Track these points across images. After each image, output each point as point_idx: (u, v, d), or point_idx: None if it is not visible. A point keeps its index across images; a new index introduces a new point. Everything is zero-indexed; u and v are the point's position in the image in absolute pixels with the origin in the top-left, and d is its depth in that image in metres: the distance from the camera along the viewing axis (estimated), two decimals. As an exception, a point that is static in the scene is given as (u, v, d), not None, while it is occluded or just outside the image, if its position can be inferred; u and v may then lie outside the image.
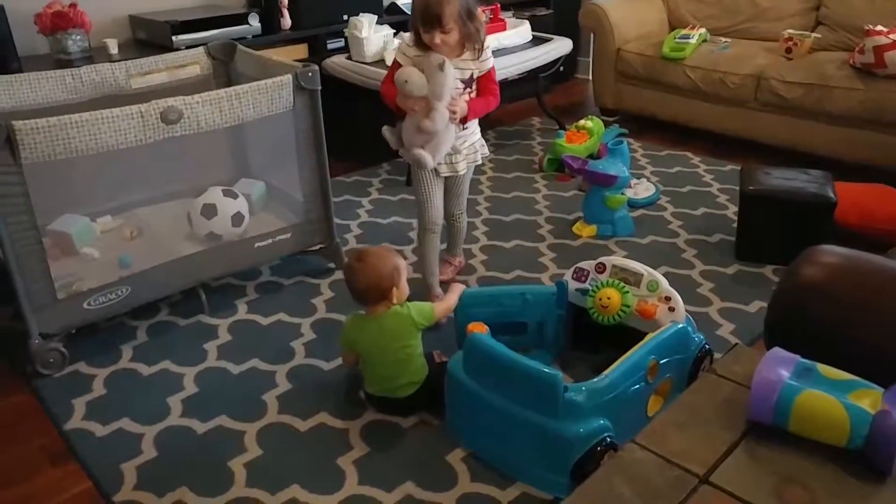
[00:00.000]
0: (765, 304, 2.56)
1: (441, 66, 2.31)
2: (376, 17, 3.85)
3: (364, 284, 2.09)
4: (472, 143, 2.60)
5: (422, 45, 2.38)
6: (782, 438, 1.42)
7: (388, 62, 3.63)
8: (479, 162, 2.68)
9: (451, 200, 2.72)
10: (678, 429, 1.48)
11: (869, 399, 1.39)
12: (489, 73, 2.51)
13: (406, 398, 2.13)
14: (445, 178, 2.61)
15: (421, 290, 2.65)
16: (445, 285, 2.65)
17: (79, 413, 2.20)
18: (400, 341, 2.08)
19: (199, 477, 1.96)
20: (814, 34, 4.02)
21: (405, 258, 3.02)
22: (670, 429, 1.48)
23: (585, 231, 3.19)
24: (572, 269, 2.33)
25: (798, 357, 1.50)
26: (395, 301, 2.10)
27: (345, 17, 3.94)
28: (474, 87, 2.50)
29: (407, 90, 2.36)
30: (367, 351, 2.14)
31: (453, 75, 2.37)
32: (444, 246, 2.88)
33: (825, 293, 1.69)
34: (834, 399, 1.38)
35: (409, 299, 2.16)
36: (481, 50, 2.44)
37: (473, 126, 2.58)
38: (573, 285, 2.30)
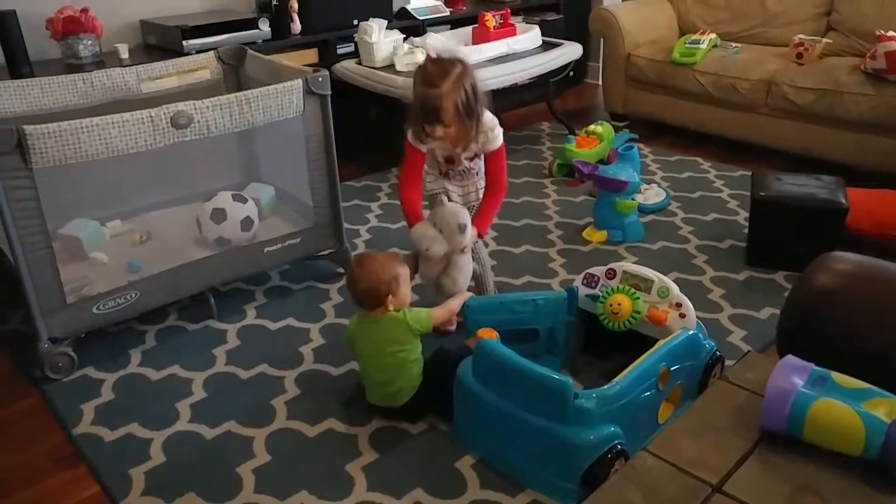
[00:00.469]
0: (776, 311, 2.55)
1: (462, 228, 2.31)
2: (386, 21, 3.85)
3: (362, 289, 2.09)
4: (478, 190, 2.57)
5: (426, 134, 2.35)
6: (796, 447, 1.41)
7: (399, 67, 3.67)
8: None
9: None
10: (691, 437, 1.47)
11: (884, 408, 1.37)
12: (497, 154, 2.43)
13: (403, 406, 2.12)
14: None
15: (429, 296, 2.65)
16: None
17: (87, 417, 2.20)
18: (393, 345, 2.07)
19: (208, 483, 1.95)
20: (825, 39, 4.00)
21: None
22: (683, 437, 1.47)
23: (595, 237, 3.18)
24: (582, 274, 2.32)
25: (812, 365, 1.49)
26: (391, 308, 2.10)
27: (355, 21, 3.94)
28: (475, 161, 2.48)
29: (429, 257, 2.34)
30: (363, 353, 2.14)
31: (473, 233, 2.37)
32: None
33: (838, 300, 1.68)
34: (849, 408, 1.37)
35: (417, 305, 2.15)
36: (482, 131, 2.36)
37: (479, 180, 2.56)
38: (583, 291, 2.29)
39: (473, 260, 2.49)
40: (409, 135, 2.42)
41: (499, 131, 2.41)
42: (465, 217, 2.34)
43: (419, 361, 2.12)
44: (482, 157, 2.47)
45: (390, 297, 2.08)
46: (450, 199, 2.54)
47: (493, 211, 2.51)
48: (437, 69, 2.26)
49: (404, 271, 2.13)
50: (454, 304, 2.25)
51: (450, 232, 2.33)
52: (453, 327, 2.50)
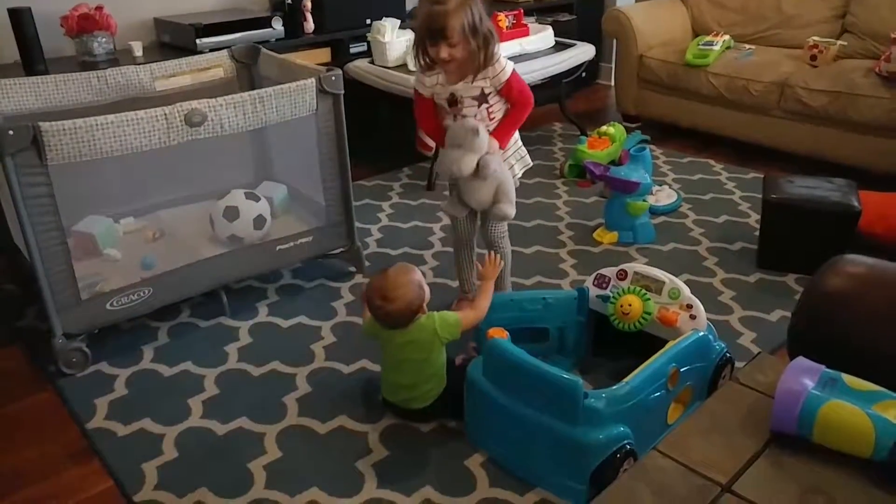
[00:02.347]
0: (787, 314, 2.55)
1: (475, 132, 2.29)
2: (399, 21, 3.86)
3: (394, 313, 2.03)
4: (506, 159, 2.50)
5: (431, 65, 2.32)
6: (806, 449, 1.41)
7: (411, 66, 3.67)
8: (518, 175, 2.55)
9: (488, 231, 2.55)
10: (701, 437, 1.47)
11: (895, 410, 1.37)
12: (509, 82, 2.36)
13: (422, 409, 2.12)
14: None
15: (441, 296, 2.66)
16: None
17: (101, 413, 2.22)
18: (421, 354, 2.06)
19: (219, 478, 1.96)
20: (839, 41, 3.98)
21: (424, 262, 3.03)
22: (693, 437, 1.47)
23: (606, 238, 3.18)
24: (593, 275, 2.32)
25: (823, 367, 1.49)
26: (424, 312, 2.08)
27: (368, 21, 3.96)
28: (493, 99, 2.38)
29: (462, 173, 2.30)
30: (387, 356, 2.14)
31: (487, 135, 2.34)
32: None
33: (850, 303, 1.67)
34: (859, 410, 1.37)
35: (434, 306, 2.14)
36: (490, 64, 2.30)
37: (511, 144, 2.51)
38: (594, 292, 2.29)
39: (498, 249, 2.53)
40: (414, 80, 2.45)
41: (506, 62, 2.37)
42: (473, 122, 2.32)
43: (443, 368, 2.11)
44: (489, 103, 2.37)
45: (424, 306, 2.07)
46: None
47: (513, 123, 2.44)
48: None
49: (419, 275, 2.10)
50: (482, 306, 2.17)
51: (466, 141, 2.30)
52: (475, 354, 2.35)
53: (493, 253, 2.31)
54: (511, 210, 2.43)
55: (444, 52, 2.23)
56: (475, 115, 2.37)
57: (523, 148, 2.57)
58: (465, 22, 2.21)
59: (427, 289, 2.10)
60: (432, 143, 3.63)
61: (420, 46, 2.31)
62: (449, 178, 2.47)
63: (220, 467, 2.00)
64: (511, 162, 2.51)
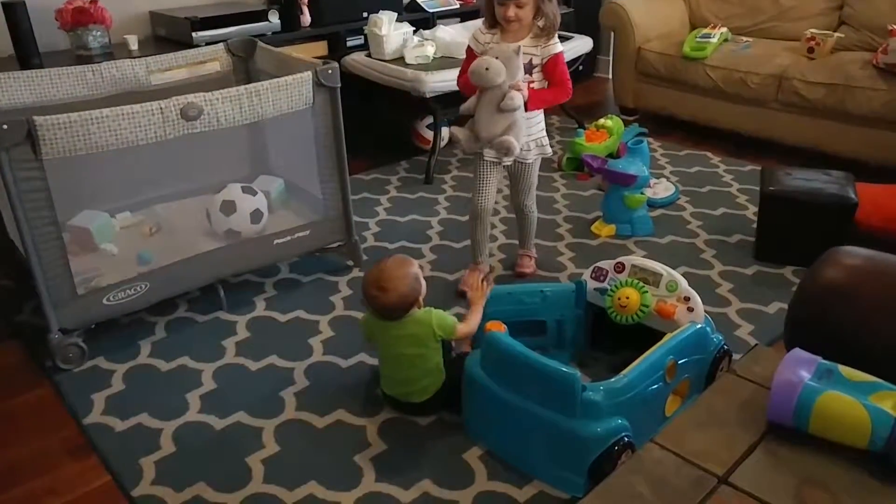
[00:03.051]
0: (784, 306, 2.54)
1: (517, 51, 2.38)
2: (396, 14, 3.85)
3: (390, 305, 2.04)
4: (538, 134, 2.62)
5: (494, 24, 2.47)
6: (802, 440, 1.41)
7: (408, 59, 3.68)
8: (549, 153, 2.68)
9: (520, 192, 2.73)
10: (698, 429, 1.47)
11: (891, 401, 1.38)
12: (557, 59, 2.50)
13: (421, 403, 2.12)
14: (509, 168, 2.65)
15: (439, 290, 2.66)
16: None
17: (98, 408, 2.22)
18: (417, 348, 2.06)
19: (217, 473, 1.96)
20: (836, 34, 3.98)
21: (422, 256, 3.03)
22: (690, 429, 1.48)
23: (604, 230, 3.18)
24: (591, 268, 2.32)
25: (819, 358, 1.49)
26: (420, 306, 2.09)
27: (364, 14, 3.95)
28: (536, 74, 2.51)
29: (489, 78, 2.38)
30: (383, 351, 2.14)
31: (524, 87, 2.43)
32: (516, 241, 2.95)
33: (847, 294, 1.67)
34: (855, 401, 1.37)
35: (432, 303, 2.14)
36: (551, 34, 2.46)
37: (539, 116, 2.60)
38: (592, 285, 2.29)
39: (527, 212, 2.75)
40: (471, 38, 2.57)
41: (559, 42, 2.51)
42: (516, 45, 2.41)
43: (441, 363, 2.10)
44: (531, 77, 2.49)
45: (420, 298, 2.07)
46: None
47: (549, 96, 2.56)
48: None
49: (416, 268, 2.10)
50: (474, 322, 2.15)
51: (505, 57, 2.38)
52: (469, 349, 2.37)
53: (483, 282, 2.30)
54: (514, 142, 2.47)
55: (511, 12, 2.38)
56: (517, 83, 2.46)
57: (546, 137, 2.66)
58: None
59: (424, 282, 2.10)
60: (429, 136, 3.63)
61: (489, 7, 2.46)
62: (467, 109, 2.55)
63: (218, 462, 2.00)
64: (531, 146, 2.59)
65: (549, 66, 2.50)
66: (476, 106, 2.51)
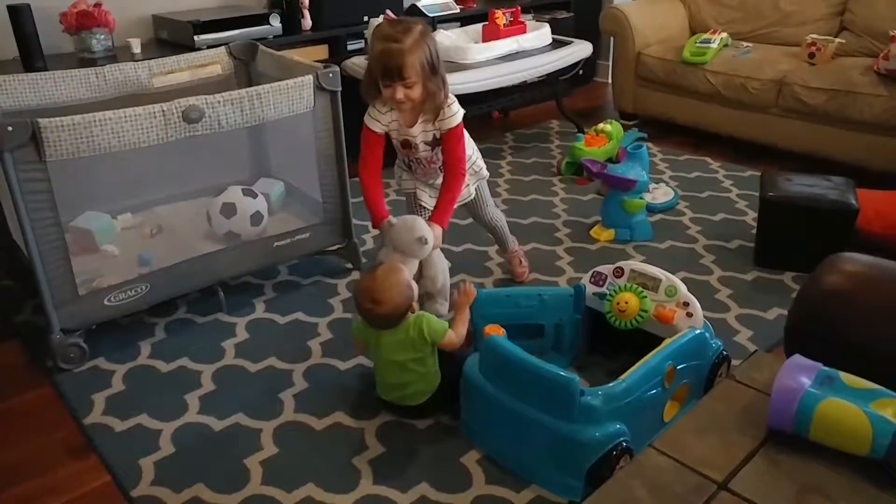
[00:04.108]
0: (783, 312, 2.55)
1: (423, 241, 2.26)
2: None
3: (383, 315, 2.02)
4: (470, 164, 2.49)
5: (384, 101, 2.27)
6: (802, 447, 1.41)
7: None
8: (486, 175, 2.59)
9: (480, 212, 2.70)
10: (697, 435, 1.48)
11: (891, 408, 1.38)
12: (455, 131, 2.30)
13: (417, 406, 2.12)
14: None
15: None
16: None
17: (98, 408, 2.22)
18: (409, 354, 2.06)
19: (216, 474, 1.97)
20: (837, 39, 3.98)
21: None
22: (689, 435, 1.48)
23: (603, 235, 3.18)
24: (590, 273, 2.32)
25: (820, 365, 1.49)
26: (414, 310, 2.08)
27: (365, 18, 3.95)
28: (437, 149, 2.37)
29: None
30: (377, 358, 2.13)
31: (437, 232, 2.32)
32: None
33: (847, 301, 1.68)
34: (856, 408, 1.37)
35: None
36: (442, 106, 2.26)
37: (469, 149, 2.47)
38: (591, 289, 2.29)
39: (495, 223, 2.68)
40: (367, 116, 2.36)
41: (458, 108, 2.30)
42: (422, 227, 2.27)
43: (435, 366, 2.10)
44: (440, 146, 2.35)
45: (413, 304, 2.07)
46: (419, 201, 2.50)
47: (453, 200, 2.38)
48: (399, 27, 2.16)
49: (407, 273, 2.10)
50: (462, 330, 2.13)
51: (411, 250, 2.27)
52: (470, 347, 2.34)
53: (465, 283, 2.24)
54: (445, 309, 2.40)
55: (400, 94, 2.17)
56: (428, 158, 2.38)
57: (478, 162, 2.54)
58: (423, 60, 2.14)
59: (416, 288, 2.10)
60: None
61: (371, 82, 2.23)
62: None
63: (216, 463, 2.00)
64: (468, 182, 2.49)
65: (445, 138, 2.31)
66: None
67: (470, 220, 3.28)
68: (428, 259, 2.37)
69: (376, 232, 3.29)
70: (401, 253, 2.29)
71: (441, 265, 2.41)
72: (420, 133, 2.34)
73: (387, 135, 2.41)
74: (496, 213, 2.76)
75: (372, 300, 2.02)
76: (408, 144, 2.38)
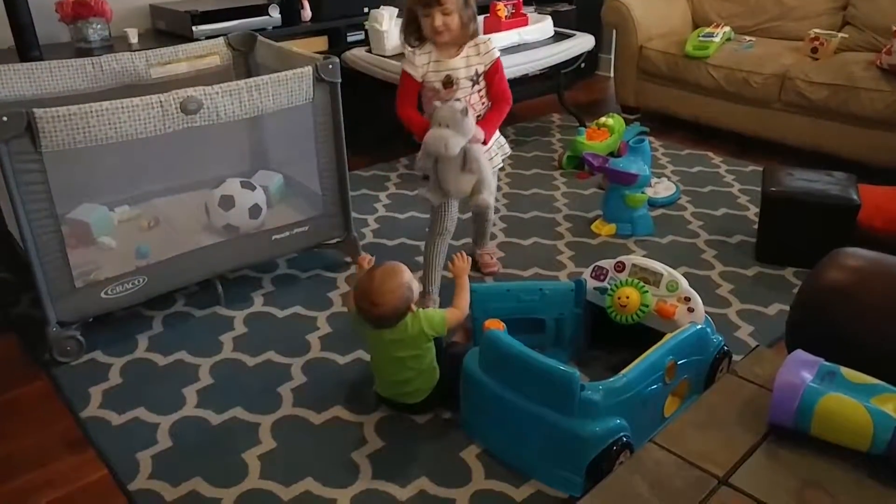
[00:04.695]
0: (785, 307, 2.54)
1: (464, 112, 2.28)
2: (397, 10, 3.83)
3: (383, 315, 2.00)
4: (499, 140, 2.59)
5: (420, 38, 2.36)
6: (803, 442, 1.41)
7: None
8: (499, 165, 2.62)
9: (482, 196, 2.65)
10: (698, 430, 1.47)
11: (893, 404, 1.37)
12: (496, 66, 2.42)
13: (416, 403, 2.11)
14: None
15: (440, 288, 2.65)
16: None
17: (95, 401, 2.21)
18: (408, 351, 2.04)
19: (214, 468, 1.96)
20: (840, 34, 3.96)
21: (421, 253, 3.01)
22: (690, 429, 1.47)
23: (604, 230, 3.17)
24: (591, 267, 2.31)
25: (821, 360, 1.48)
26: (413, 310, 2.06)
27: (365, 9, 3.93)
28: (482, 82, 2.43)
29: (449, 153, 2.27)
30: (375, 355, 2.12)
31: (479, 133, 2.34)
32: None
33: (849, 296, 1.67)
34: (857, 403, 1.36)
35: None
36: (478, 42, 2.39)
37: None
38: (592, 284, 2.28)
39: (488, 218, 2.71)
40: (404, 61, 2.43)
41: (493, 43, 2.43)
42: (461, 104, 2.30)
43: (434, 362, 2.09)
44: (479, 85, 2.42)
45: (412, 305, 2.04)
46: None
47: (498, 120, 2.47)
48: None
49: (408, 275, 2.05)
50: (464, 304, 2.13)
51: (455, 122, 2.28)
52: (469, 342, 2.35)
53: (462, 253, 2.26)
54: (491, 199, 2.46)
55: (439, 20, 2.24)
56: (468, 98, 2.40)
57: (502, 137, 2.62)
58: None
59: (416, 288, 2.06)
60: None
61: (411, 20, 2.32)
62: (426, 168, 2.44)
63: (214, 457, 1.99)
64: (492, 153, 2.53)
65: (491, 75, 2.43)
66: (436, 167, 2.41)
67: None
68: (481, 172, 2.36)
69: (376, 226, 3.28)
70: (445, 126, 2.29)
71: (486, 163, 2.39)
72: (463, 67, 2.38)
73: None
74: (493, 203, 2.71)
75: (371, 302, 1.99)
76: (449, 82, 2.39)
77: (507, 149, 2.64)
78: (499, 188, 3.60)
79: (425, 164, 2.42)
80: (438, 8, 2.22)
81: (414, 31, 2.36)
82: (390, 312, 2.00)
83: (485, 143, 2.41)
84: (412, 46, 2.41)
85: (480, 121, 2.42)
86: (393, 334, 2.04)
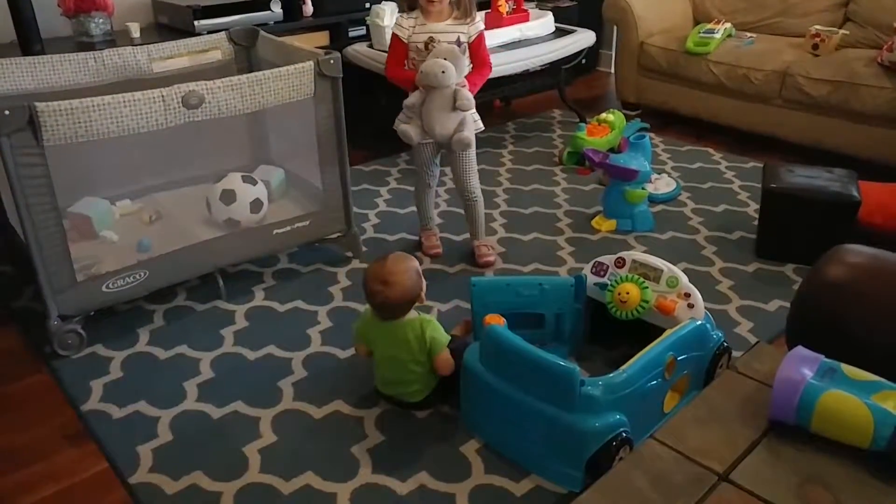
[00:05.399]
0: (784, 304, 2.55)
1: (458, 42, 2.59)
2: (398, 5, 3.83)
3: (393, 303, 2.02)
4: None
5: (413, 6, 2.62)
6: (804, 438, 1.41)
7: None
8: (482, 128, 2.77)
9: (463, 173, 2.79)
10: (698, 426, 1.47)
11: (893, 400, 1.37)
12: (479, 39, 2.66)
13: (416, 402, 2.12)
14: (447, 150, 2.76)
15: (439, 280, 2.65)
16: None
17: (96, 395, 2.22)
18: (411, 355, 2.05)
19: (214, 461, 1.96)
20: (841, 31, 3.96)
21: (422, 248, 3.02)
22: (690, 425, 1.47)
23: (605, 225, 3.17)
24: (591, 263, 2.31)
25: (822, 356, 1.48)
26: (422, 301, 2.08)
27: (367, 4, 3.93)
28: (465, 50, 2.65)
29: (443, 81, 2.52)
30: (378, 353, 2.12)
31: (465, 83, 2.62)
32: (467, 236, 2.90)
33: (850, 292, 1.67)
34: (858, 400, 1.37)
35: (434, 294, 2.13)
36: (469, 13, 2.62)
37: None
38: (592, 279, 2.28)
39: (472, 196, 2.82)
40: (394, 24, 2.68)
41: (479, 17, 2.70)
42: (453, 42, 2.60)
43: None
44: (461, 50, 2.62)
45: (421, 294, 2.07)
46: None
47: (480, 80, 2.72)
48: None
49: (416, 263, 2.09)
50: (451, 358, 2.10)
51: (452, 55, 2.55)
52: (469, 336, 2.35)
53: (466, 320, 2.36)
54: (471, 136, 2.67)
55: None
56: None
57: (476, 112, 2.76)
58: None
59: (422, 278, 2.09)
60: None
61: None
62: (413, 105, 2.64)
63: (214, 451, 2.00)
64: (469, 120, 2.71)
65: (475, 45, 2.67)
66: (423, 103, 2.63)
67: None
68: (444, 114, 2.62)
69: (376, 220, 3.29)
70: (441, 58, 2.54)
71: (471, 123, 2.71)
72: (447, 31, 2.63)
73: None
74: (478, 188, 2.85)
75: (382, 282, 2.01)
76: (431, 43, 2.63)
77: (481, 124, 2.78)
78: (499, 183, 3.61)
79: (415, 101, 2.62)
80: None
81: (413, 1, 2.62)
82: (401, 294, 2.01)
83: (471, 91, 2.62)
84: (404, 12, 2.69)
85: (466, 77, 2.65)
86: (398, 333, 2.04)
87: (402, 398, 2.12)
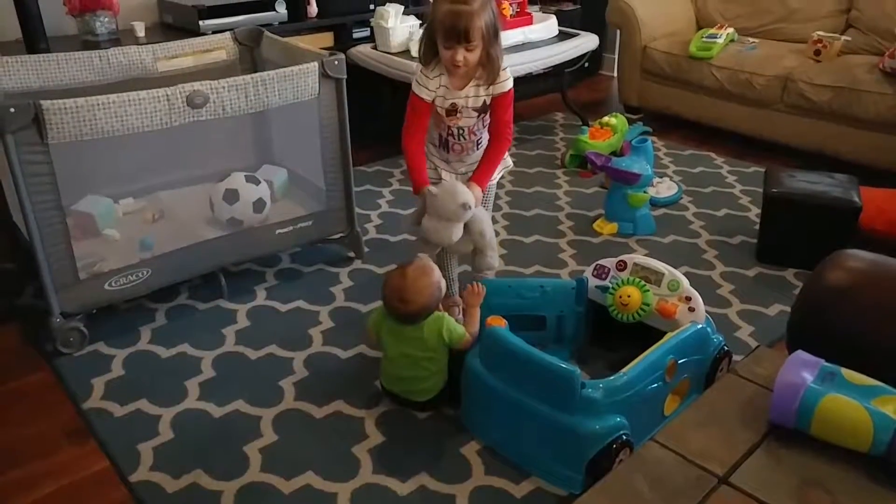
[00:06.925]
0: (785, 308, 2.55)
1: (466, 206, 2.16)
2: (403, 7, 3.84)
3: (412, 316, 2.03)
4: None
5: (437, 66, 2.21)
6: (804, 442, 1.41)
7: (414, 52, 3.65)
8: (509, 166, 2.50)
9: (477, 251, 2.37)
10: (699, 428, 1.48)
11: (893, 405, 1.38)
12: (506, 97, 2.26)
13: (422, 402, 2.12)
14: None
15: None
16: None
17: (97, 392, 2.22)
18: (425, 352, 2.06)
19: (215, 460, 1.97)
20: (843, 37, 3.97)
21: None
22: (691, 428, 1.48)
23: (606, 228, 3.18)
24: (593, 266, 2.32)
25: (822, 361, 1.49)
26: (440, 310, 2.08)
27: (371, 6, 3.94)
28: (488, 112, 2.29)
29: (462, 216, 2.17)
30: (390, 349, 2.12)
31: (478, 193, 2.26)
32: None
33: (851, 297, 1.68)
34: (857, 404, 1.37)
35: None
36: (494, 75, 2.21)
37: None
38: (593, 282, 2.29)
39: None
40: (414, 83, 2.26)
41: (510, 74, 2.25)
42: (463, 192, 2.17)
43: (445, 365, 2.10)
44: (486, 113, 2.27)
45: (441, 304, 2.07)
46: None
47: (496, 163, 2.33)
48: None
49: (438, 274, 2.08)
50: (474, 330, 2.09)
51: (456, 215, 2.17)
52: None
53: (474, 283, 2.19)
54: (496, 261, 2.34)
55: (460, 56, 2.11)
56: (471, 128, 2.28)
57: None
58: (487, 24, 2.10)
59: (443, 287, 2.10)
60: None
61: (430, 45, 2.19)
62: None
63: (215, 450, 2.00)
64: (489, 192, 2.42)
65: (499, 103, 2.26)
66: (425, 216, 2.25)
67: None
68: (482, 236, 2.27)
69: (379, 221, 3.29)
70: (446, 220, 2.19)
71: (485, 217, 2.29)
72: (471, 97, 2.24)
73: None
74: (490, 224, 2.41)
75: (400, 299, 2.02)
76: (454, 110, 2.26)
77: (509, 162, 2.48)
78: (501, 185, 3.61)
79: (415, 220, 2.29)
80: (463, 45, 2.09)
81: (432, 58, 2.21)
82: (418, 310, 2.02)
83: (483, 189, 2.31)
84: (424, 67, 2.25)
85: (477, 168, 2.32)
86: (414, 332, 2.05)
87: (408, 396, 2.12)
